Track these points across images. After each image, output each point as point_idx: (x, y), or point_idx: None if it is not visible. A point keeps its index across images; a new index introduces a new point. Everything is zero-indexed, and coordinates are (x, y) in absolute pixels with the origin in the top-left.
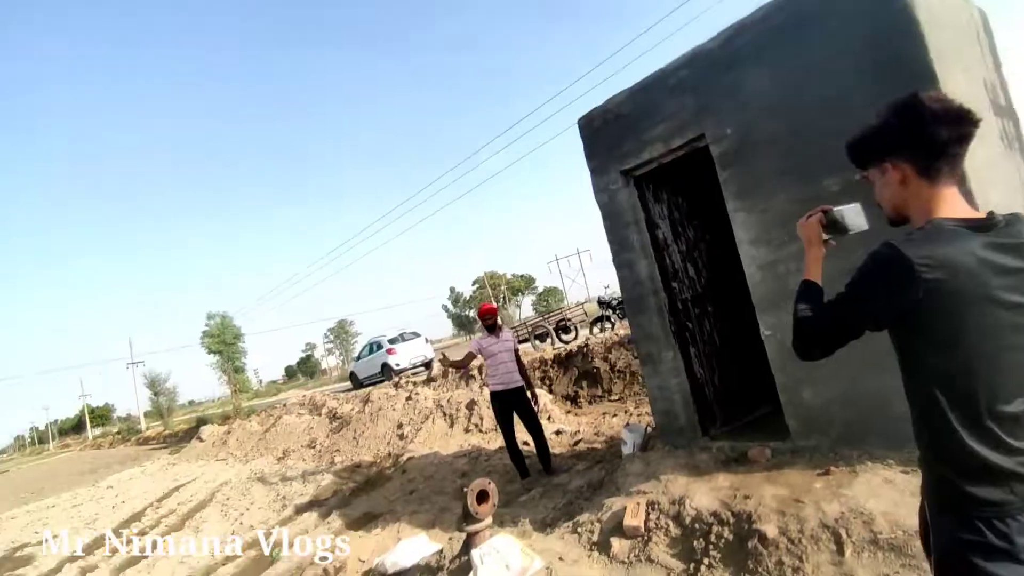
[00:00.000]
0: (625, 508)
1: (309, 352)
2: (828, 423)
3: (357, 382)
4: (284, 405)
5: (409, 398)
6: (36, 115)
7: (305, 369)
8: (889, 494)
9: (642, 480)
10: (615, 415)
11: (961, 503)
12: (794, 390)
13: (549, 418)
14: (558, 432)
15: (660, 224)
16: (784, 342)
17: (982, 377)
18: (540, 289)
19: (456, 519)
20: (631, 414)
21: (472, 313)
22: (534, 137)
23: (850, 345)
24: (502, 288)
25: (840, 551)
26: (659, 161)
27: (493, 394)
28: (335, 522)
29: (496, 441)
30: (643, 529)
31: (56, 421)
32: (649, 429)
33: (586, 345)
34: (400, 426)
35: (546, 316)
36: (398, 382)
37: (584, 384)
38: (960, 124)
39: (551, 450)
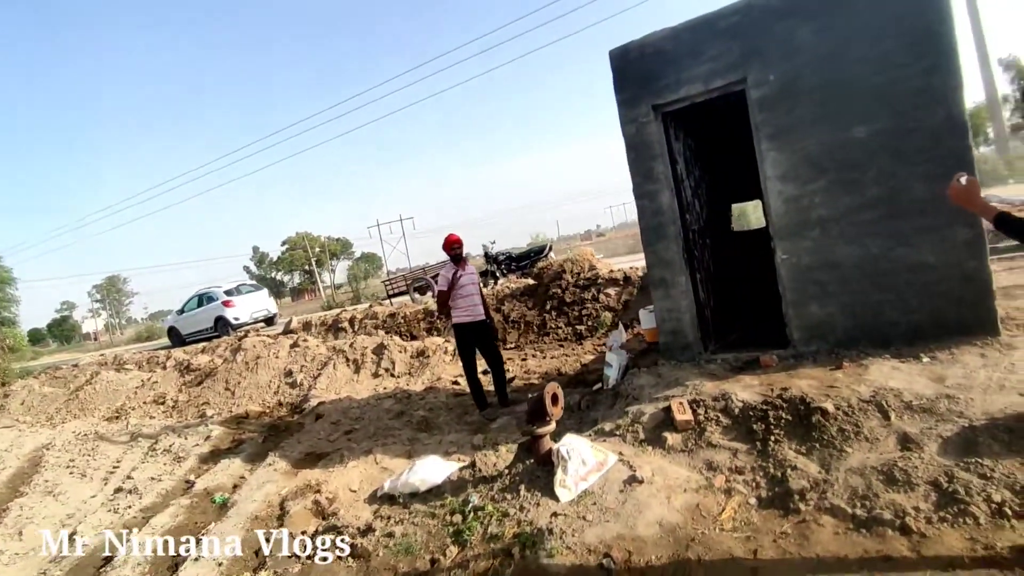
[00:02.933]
0: (661, 409)
1: (67, 312)
2: (829, 331)
3: (179, 339)
4: (76, 365)
5: (295, 345)
6: None
7: (60, 333)
8: (902, 376)
9: (662, 388)
10: (524, 359)
11: None
12: (803, 305)
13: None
14: (484, 372)
15: (678, 160)
16: (798, 264)
17: None
18: (357, 254)
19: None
20: (540, 358)
21: (280, 276)
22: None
23: (858, 266)
24: (316, 250)
25: (886, 416)
26: (693, 100)
27: (457, 326)
28: (278, 463)
29: (416, 384)
30: (694, 422)
31: None
32: (626, 354)
33: None
34: (290, 373)
35: (414, 271)
36: (243, 336)
37: None
38: None
39: (485, 387)
